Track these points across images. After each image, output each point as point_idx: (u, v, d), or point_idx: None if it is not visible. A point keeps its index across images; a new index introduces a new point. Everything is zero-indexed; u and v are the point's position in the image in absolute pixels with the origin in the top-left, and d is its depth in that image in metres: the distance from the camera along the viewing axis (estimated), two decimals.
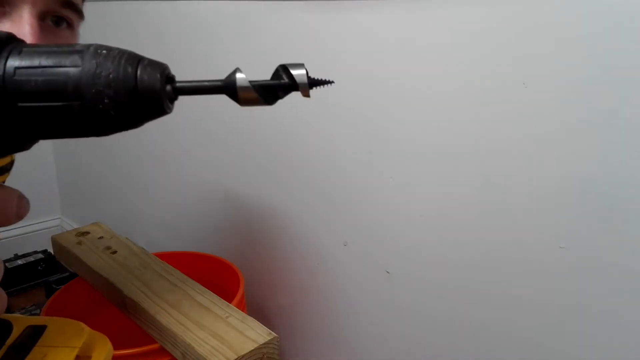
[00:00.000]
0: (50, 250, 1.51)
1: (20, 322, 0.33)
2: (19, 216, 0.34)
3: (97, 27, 1.30)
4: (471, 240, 0.68)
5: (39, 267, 1.55)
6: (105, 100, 0.26)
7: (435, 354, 0.76)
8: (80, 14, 0.53)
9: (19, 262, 1.54)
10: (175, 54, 1.07)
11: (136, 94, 0.26)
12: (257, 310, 1.03)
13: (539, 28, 0.57)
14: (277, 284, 1.00)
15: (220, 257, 1.00)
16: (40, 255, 1.59)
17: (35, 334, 0.32)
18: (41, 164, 1.75)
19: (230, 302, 0.79)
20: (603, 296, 0.57)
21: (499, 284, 0.66)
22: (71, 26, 0.52)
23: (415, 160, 0.72)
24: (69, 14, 0.51)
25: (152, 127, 1.21)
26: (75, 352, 0.30)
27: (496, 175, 0.64)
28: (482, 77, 0.62)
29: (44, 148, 1.75)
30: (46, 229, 1.77)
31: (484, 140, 0.64)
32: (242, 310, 0.78)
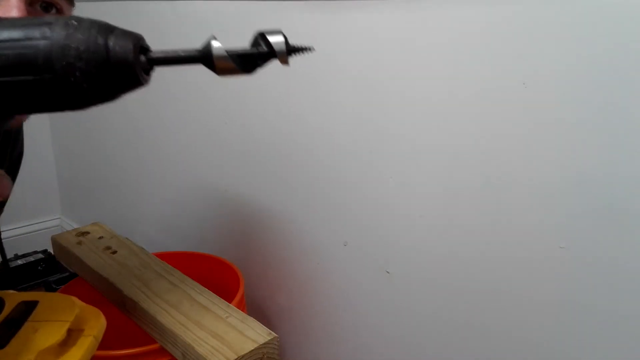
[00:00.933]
0: (50, 250, 1.51)
1: (13, 298, 0.33)
2: (1, 195, 0.34)
3: None
4: (471, 240, 0.68)
5: (39, 267, 1.55)
6: (77, 73, 0.25)
7: (435, 354, 0.76)
8: (70, 0, 0.53)
9: (19, 262, 1.54)
10: None
11: (108, 65, 0.25)
12: (257, 310, 1.03)
13: (539, 28, 0.57)
14: (277, 284, 1.00)
15: (220, 257, 1.00)
16: (40, 255, 1.58)
17: (27, 309, 0.32)
18: (41, 164, 1.75)
19: (230, 302, 0.79)
20: (603, 296, 0.57)
21: (499, 284, 0.66)
22: (61, 12, 0.52)
23: (415, 160, 0.72)
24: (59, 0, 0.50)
25: (152, 127, 1.23)
26: (66, 326, 0.30)
27: (496, 175, 0.64)
28: (482, 77, 0.62)
29: (44, 148, 1.75)
30: (46, 229, 1.77)
31: (484, 140, 0.64)
32: (242, 310, 0.78)
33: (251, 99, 0.92)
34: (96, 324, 0.33)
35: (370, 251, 0.81)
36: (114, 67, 0.25)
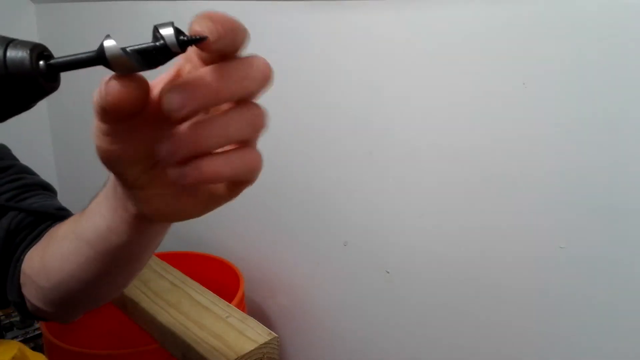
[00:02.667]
0: None
1: None
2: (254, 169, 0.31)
3: (97, 27, 1.30)
4: (471, 240, 0.68)
5: None
6: None
7: (435, 353, 0.76)
8: None
9: None
10: None
11: (6, 74, 0.26)
12: (257, 310, 1.03)
13: (539, 28, 0.57)
14: (277, 284, 1.00)
15: (220, 257, 1.00)
16: None
17: None
18: (41, 164, 1.74)
19: (230, 302, 0.79)
20: (603, 296, 0.57)
21: (498, 283, 0.66)
22: None
23: (415, 160, 0.72)
24: None
25: None
26: None
27: (496, 175, 0.64)
28: (482, 77, 0.62)
29: (44, 148, 1.75)
30: None
31: (483, 140, 0.64)
32: (242, 310, 0.78)
33: None
34: None
35: (370, 251, 0.81)
36: (12, 75, 0.26)
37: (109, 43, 0.25)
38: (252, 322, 0.73)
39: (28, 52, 0.26)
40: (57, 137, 1.74)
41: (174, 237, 1.29)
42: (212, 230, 1.14)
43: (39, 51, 0.27)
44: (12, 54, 0.26)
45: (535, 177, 0.60)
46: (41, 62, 0.27)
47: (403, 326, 0.80)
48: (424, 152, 0.70)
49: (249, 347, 0.68)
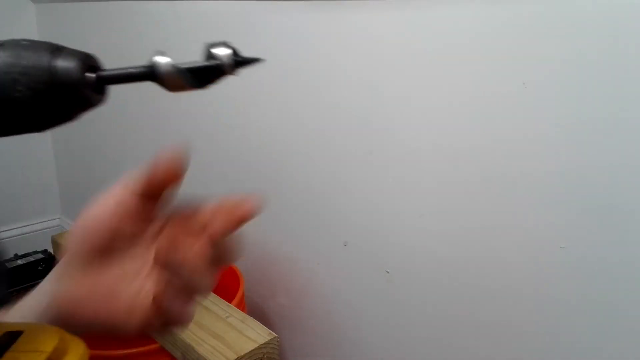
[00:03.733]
0: (50, 250, 1.51)
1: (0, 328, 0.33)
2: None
3: (98, 27, 1.30)
4: (471, 241, 0.68)
5: (39, 267, 1.55)
6: (19, 88, 0.25)
7: (434, 353, 0.76)
8: None
9: (19, 262, 1.54)
10: (175, 54, 1.07)
11: (52, 82, 0.25)
12: (257, 310, 1.03)
13: (539, 28, 0.57)
14: (277, 284, 1.00)
15: None
16: (40, 255, 1.58)
17: (10, 339, 0.32)
18: (41, 164, 1.75)
19: (230, 302, 0.79)
20: (603, 296, 0.57)
21: (498, 283, 0.66)
22: None
23: (415, 160, 0.72)
24: None
25: (152, 127, 1.22)
26: (44, 357, 0.30)
27: (496, 175, 0.64)
28: (482, 77, 0.62)
29: (44, 148, 1.75)
30: (46, 229, 1.77)
31: (483, 140, 0.64)
32: (242, 310, 0.78)
33: (249, 100, 0.92)
34: (76, 354, 0.33)
35: (370, 251, 0.81)
36: (58, 84, 0.26)
37: (162, 59, 0.25)
38: (252, 322, 0.73)
39: (77, 62, 0.26)
40: (57, 137, 1.74)
41: None
42: None
43: (89, 62, 0.26)
44: (61, 62, 0.25)
45: (535, 177, 0.60)
46: (90, 74, 0.26)
47: (403, 326, 0.80)
48: (424, 152, 0.70)
49: (249, 347, 0.68)
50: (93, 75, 0.26)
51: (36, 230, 1.75)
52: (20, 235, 1.69)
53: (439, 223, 0.71)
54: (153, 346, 0.74)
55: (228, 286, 0.93)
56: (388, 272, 0.79)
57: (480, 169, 0.65)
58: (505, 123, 0.62)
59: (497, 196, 0.64)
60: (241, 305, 0.84)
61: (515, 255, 0.64)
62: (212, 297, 0.80)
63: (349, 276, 0.85)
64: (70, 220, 1.81)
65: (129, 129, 1.34)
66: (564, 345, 0.62)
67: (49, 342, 0.31)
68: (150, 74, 0.25)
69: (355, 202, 0.81)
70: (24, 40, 0.26)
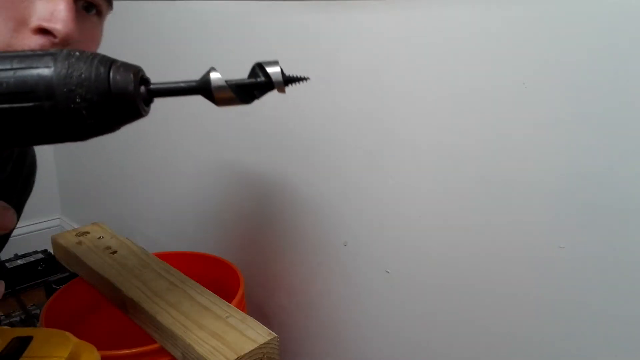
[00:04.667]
0: (50, 250, 1.51)
1: (6, 334, 0.33)
2: (3, 228, 0.33)
3: None
4: (471, 240, 0.68)
5: (39, 267, 1.55)
6: (77, 100, 0.25)
7: (434, 353, 0.76)
8: (110, 3, 0.54)
9: (19, 262, 1.54)
10: (175, 54, 1.07)
11: (109, 94, 0.26)
12: (257, 310, 1.03)
13: (539, 28, 0.57)
14: (277, 284, 1.00)
15: (220, 257, 1.00)
16: (40, 255, 1.59)
17: (21, 345, 0.32)
18: (41, 164, 1.74)
19: (230, 302, 0.79)
20: (603, 296, 0.57)
21: (498, 284, 0.66)
22: (100, 14, 0.53)
23: (415, 160, 0.72)
24: (100, 1, 0.51)
25: (152, 128, 1.23)
26: None
27: (496, 175, 0.64)
28: (482, 76, 0.62)
29: (44, 148, 1.75)
30: (46, 229, 1.77)
31: (483, 140, 0.64)
32: (242, 310, 0.78)
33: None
34: (89, 359, 0.33)
35: (370, 251, 0.81)
36: (114, 97, 0.26)
37: (215, 75, 0.26)
38: (252, 322, 0.73)
39: (132, 75, 0.26)
40: None
41: (174, 237, 1.29)
42: (212, 230, 1.14)
43: (140, 75, 0.27)
44: (117, 76, 0.26)
45: (535, 177, 0.60)
46: (142, 87, 0.27)
47: (403, 326, 0.80)
48: (424, 152, 0.70)
49: (249, 347, 0.68)
50: (144, 88, 0.27)
51: (36, 230, 1.75)
52: (20, 235, 1.69)
53: (438, 223, 0.71)
54: (153, 346, 0.74)
55: (228, 286, 0.93)
56: (388, 272, 0.79)
57: (480, 169, 0.65)
58: (505, 123, 0.62)
59: (497, 196, 0.64)
60: (241, 305, 0.84)
61: (515, 255, 0.64)
62: (212, 297, 0.80)
63: (349, 276, 0.85)
64: (70, 220, 1.81)
65: (129, 129, 1.34)
66: (564, 345, 0.62)
67: (63, 348, 0.31)
68: (200, 88, 0.26)
69: (355, 202, 0.81)
70: (74, 50, 0.26)
